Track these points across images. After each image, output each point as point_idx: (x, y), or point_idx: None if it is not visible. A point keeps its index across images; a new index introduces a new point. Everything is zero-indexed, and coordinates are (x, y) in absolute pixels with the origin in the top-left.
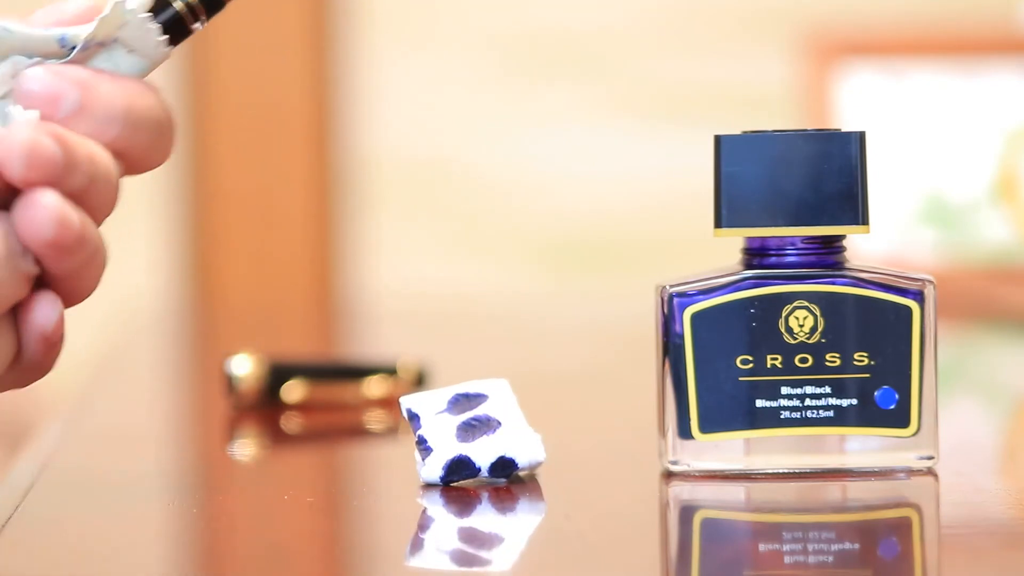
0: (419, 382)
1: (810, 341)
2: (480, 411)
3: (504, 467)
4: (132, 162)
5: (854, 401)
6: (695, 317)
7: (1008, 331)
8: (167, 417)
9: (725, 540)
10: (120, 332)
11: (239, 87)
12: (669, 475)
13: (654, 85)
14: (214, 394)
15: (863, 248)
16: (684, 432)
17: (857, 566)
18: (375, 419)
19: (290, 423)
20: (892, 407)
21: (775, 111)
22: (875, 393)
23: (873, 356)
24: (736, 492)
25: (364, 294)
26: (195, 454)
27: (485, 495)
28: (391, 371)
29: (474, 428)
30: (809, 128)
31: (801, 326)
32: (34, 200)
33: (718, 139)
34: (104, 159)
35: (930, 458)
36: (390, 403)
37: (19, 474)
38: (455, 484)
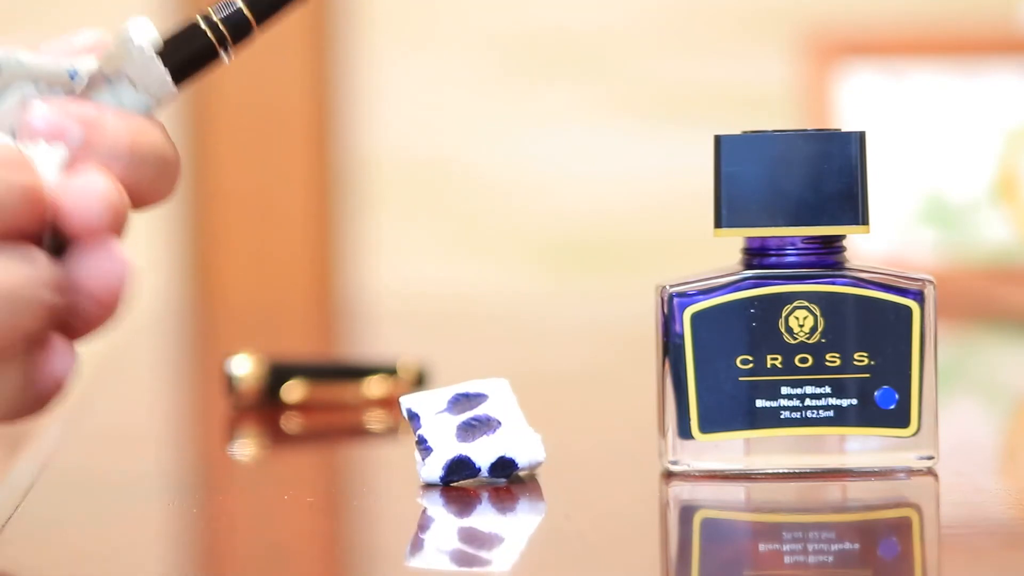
0: (419, 382)
1: (810, 341)
2: (480, 411)
3: (504, 467)
4: (136, 198)
5: (854, 401)
6: (695, 317)
7: (1008, 331)
8: (167, 417)
9: (725, 540)
10: (120, 332)
11: (239, 87)
12: (669, 475)
13: (654, 85)
14: (214, 394)
15: (863, 248)
16: (684, 432)
17: (857, 566)
18: (375, 419)
19: (290, 423)
20: (892, 407)
21: (775, 111)
22: (875, 393)
23: (873, 356)
24: (736, 492)
25: (364, 294)
26: (195, 454)
27: (485, 495)
28: (391, 371)
29: (474, 428)
30: (809, 128)
31: (801, 326)
32: (111, 253)
33: (718, 139)
34: (127, 200)
35: (930, 458)
36: (390, 403)
37: (19, 474)
38: (455, 484)
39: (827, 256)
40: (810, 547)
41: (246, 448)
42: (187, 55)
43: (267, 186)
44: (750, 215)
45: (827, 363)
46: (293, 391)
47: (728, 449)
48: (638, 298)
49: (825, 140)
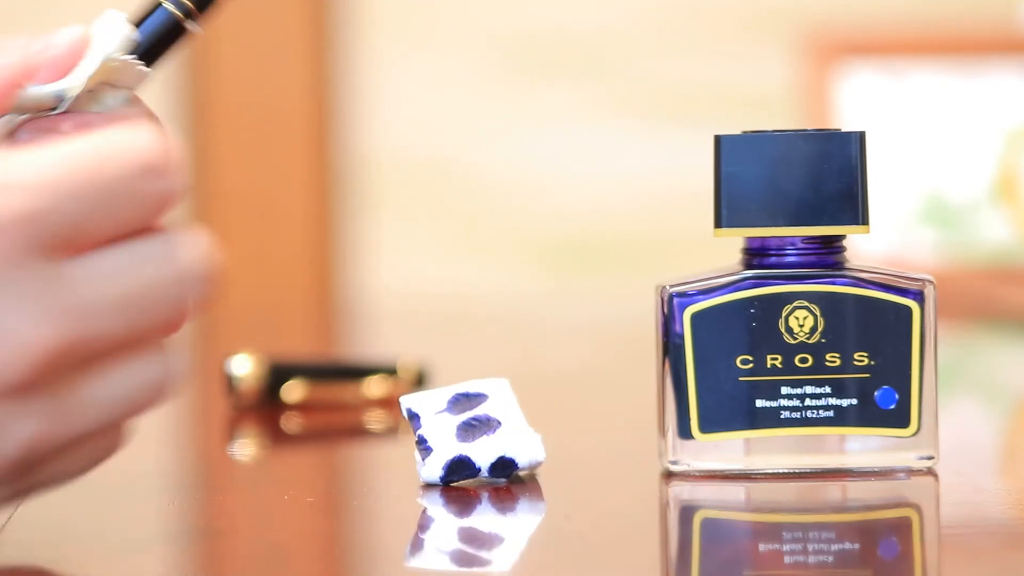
0: (419, 382)
1: (810, 341)
2: (480, 411)
3: (504, 467)
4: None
5: (854, 401)
6: (695, 317)
7: (1008, 331)
8: (167, 417)
9: (725, 540)
10: None
11: (239, 87)
12: (669, 475)
13: (654, 85)
14: (214, 394)
15: (863, 248)
16: (684, 432)
17: (857, 566)
18: (375, 419)
19: (290, 423)
20: (892, 407)
21: (775, 111)
22: (875, 393)
23: (873, 356)
24: (736, 492)
25: (364, 294)
26: (195, 454)
27: (485, 495)
28: (391, 371)
29: (474, 428)
30: (809, 128)
31: (801, 326)
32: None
33: (718, 139)
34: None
35: (930, 458)
36: (390, 403)
37: None
38: (455, 484)
39: (827, 256)
40: (810, 547)
41: (246, 448)
42: (157, 37)
43: (267, 186)
44: (750, 215)
45: (827, 363)
46: (293, 391)
47: (728, 449)
48: (638, 298)
49: (825, 140)
